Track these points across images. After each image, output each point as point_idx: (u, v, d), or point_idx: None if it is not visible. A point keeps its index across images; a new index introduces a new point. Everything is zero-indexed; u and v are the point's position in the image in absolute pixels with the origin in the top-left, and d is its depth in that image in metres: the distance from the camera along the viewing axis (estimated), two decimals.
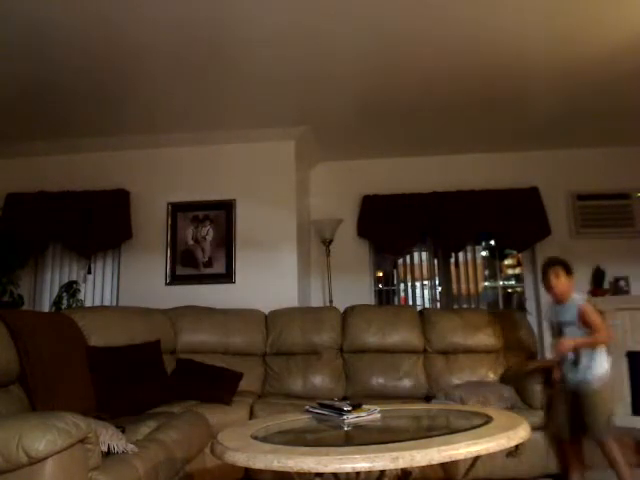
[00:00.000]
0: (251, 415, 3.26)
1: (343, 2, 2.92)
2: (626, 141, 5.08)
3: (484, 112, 4.42)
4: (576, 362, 2.85)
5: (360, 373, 3.78)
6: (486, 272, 5.58)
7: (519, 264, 5.49)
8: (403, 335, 3.86)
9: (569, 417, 2.87)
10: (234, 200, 4.80)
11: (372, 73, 3.76)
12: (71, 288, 4.63)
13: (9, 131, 4.67)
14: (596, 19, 3.11)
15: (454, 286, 5.39)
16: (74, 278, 4.86)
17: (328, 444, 2.08)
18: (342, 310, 4.11)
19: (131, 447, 2.12)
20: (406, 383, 3.71)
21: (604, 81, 3.84)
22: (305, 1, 2.90)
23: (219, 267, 4.74)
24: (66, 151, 4.98)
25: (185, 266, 4.77)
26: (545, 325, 4.51)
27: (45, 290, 4.99)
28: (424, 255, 5.50)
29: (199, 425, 2.92)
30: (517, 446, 2.39)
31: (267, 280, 4.64)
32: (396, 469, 2.12)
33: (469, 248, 5.40)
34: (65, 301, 4.56)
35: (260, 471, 2.47)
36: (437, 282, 5.45)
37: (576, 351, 2.84)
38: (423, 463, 1.60)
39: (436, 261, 5.46)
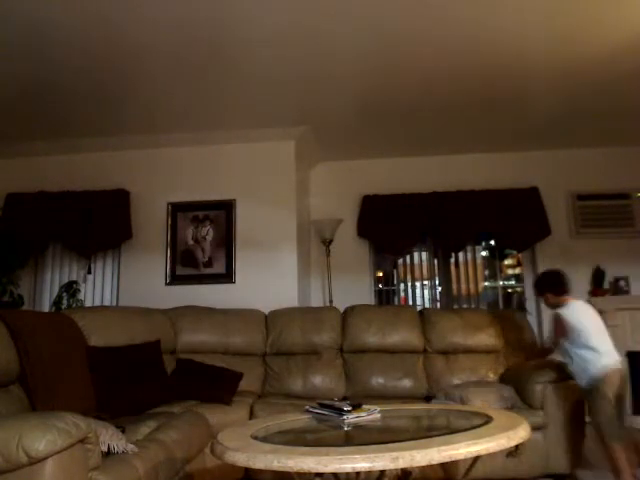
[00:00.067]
0: (251, 415, 3.26)
1: (343, 2, 2.92)
2: (626, 141, 5.08)
3: (484, 112, 4.42)
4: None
5: (360, 373, 3.78)
6: (486, 272, 5.58)
7: (519, 264, 5.49)
8: (403, 335, 3.86)
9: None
10: (234, 200, 4.80)
11: (372, 73, 3.76)
12: (71, 288, 4.63)
13: (9, 131, 4.67)
14: (596, 19, 3.11)
15: (454, 286, 5.39)
16: (74, 278, 4.86)
17: (328, 444, 2.08)
18: (342, 310, 4.11)
19: (131, 447, 2.12)
20: (406, 383, 3.71)
21: (604, 81, 3.85)
22: (305, 1, 2.91)
23: (219, 267, 4.74)
24: (66, 151, 4.98)
25: (185, 266, 4.77)
26: (547, 326, 4.51)
27: (45, 290, 4.99)
28: (424, 255, 5.50)
29: (199, 425, 2.92)
30: (517, 446, 2.39)
31: (267, 280, 4.64)
32: (396, 469, 2.12)
33: (469, 248, 5.40)
34: (65, 301, 4.57)
35: (260, 471, 2.47)
36: (437, 282, 5.45)
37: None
38: (423, 463, 1.60)
39: (436, 261, 5.46)
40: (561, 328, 2.98)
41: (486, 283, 5.56)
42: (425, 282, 5.53)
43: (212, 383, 3.48)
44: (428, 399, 3.53)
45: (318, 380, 3.76)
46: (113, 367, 3.07)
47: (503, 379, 3.55)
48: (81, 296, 4.69)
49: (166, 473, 2.29)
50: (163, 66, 3.63)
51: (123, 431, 2.23)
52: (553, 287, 3.11)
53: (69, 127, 4.65)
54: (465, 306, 5.31)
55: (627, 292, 4.91)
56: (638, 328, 4.73)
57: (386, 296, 5.57)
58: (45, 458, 1.58)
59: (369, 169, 5.51)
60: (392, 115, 4.47)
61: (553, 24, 3.16)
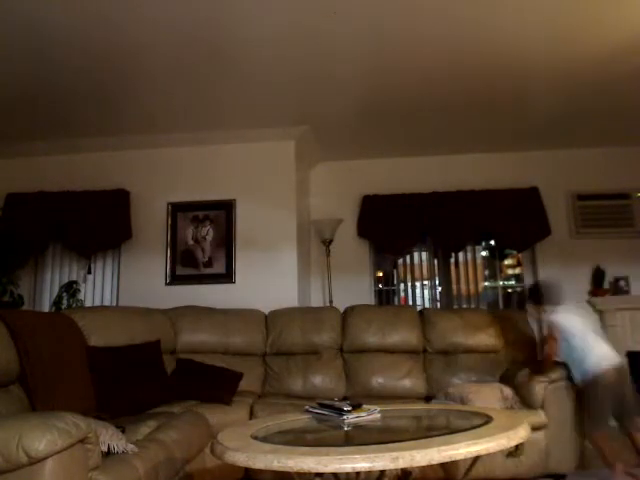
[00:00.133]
0: (251, 415, 3.26)
1: (343, 2, 2.92)
2: (626, 141, 5.08)
3: (484, 112, 4.42)
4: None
5: (360, 373, 3.78)
6: (486, 272, 5.58)
7: (519, 264, 5.49)
8: (403, 335, 3.86)
9: None
10: (234, 200, 4.80)
11: (372, 73, 3.76)
12: (71, 288, 4.63)
13: (9, 131, 4.67)
14: (596, 19, 3.11)
15: (454, 286, 5.39)
16: (74, 278, 4.86)
17: (328, 444, 2.08)
18: (342, 310, 4.11)
19: (131, 447, 2.12)
20: (406, 383, 3.71)
21: (604, 81, 3.84)
22: (305, 1, 2.90)
23: (219, 267, 4.74)
24: (66, 151, 4.98)
25: (185, 266, 4.77)
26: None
27: (45, 290, 4.99)
28: (424, 255, 5.50)
29: (199, 425, 2.92)
30: (517, 446, 2.40)
31: (267, 280, 4.64)
32: (396, 469, 2.12)
33: (469, 248, 5.40)
34: (65, 301, 4.56)
35: (260, 471, 2.47)
36: (437, 282, 5.45)
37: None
38: (423, 463, 1.60)
39: (436, 261, 5.46)
40: (554, 334, 3.07)
41: (486, 283, 5.56)
42: (425, 282, 5.53)
43: (212, 383, 3.48)
44: (428, 399, 3.53)
45: (318, 380, 3.76)
46: (113, 367, 3.07)
47: (503, 379, 3.55)
48: (81, 296, 4.69)
49: (166, 473, 2.29)
50: (163, 66, 3.63)
51: (123, 431, 2.23)
52: (532, 298, 3.36)
53: (69, 127, 4.65)
54: (465, 306, 5.31)
55: (627, 292, 4.91)
56: (638, 328, 4.73)
57: (386, 296, 5.57)
58: (45, 458, 1.58)
59: (369, 169, 5.51)
60: (392, 115, 4.47)
61: (553, 24, 3.16)
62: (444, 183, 5.27)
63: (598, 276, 5.00)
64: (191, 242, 4.81)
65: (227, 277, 4.70)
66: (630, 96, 4.08)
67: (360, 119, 4.55)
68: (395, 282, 5.61)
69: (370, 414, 2.36)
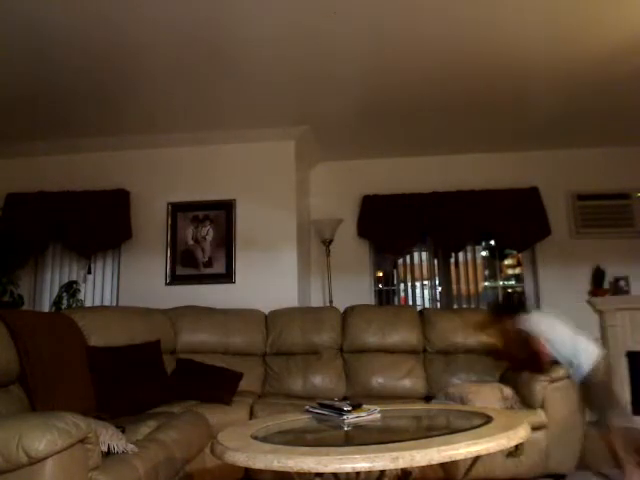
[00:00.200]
0: (251, 415, 3.26)
1: (343, 2, 2.92)
2: (626, 141, 5.08)
3: (484, 112, 4.42)
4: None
5: (360, 373, 3.78)
6: (486, 272, 5.58)
7: (519, 264, 5.49)
8: (403, 335, 3.86)
9: None
10: (234, 200, 4.80)
11: (372, 73, 3.76)
12: (71, 288, 4.63)
13: (9, 131, 4.67)
14: (596, 19, 3.11)
15: (454, 286, 5.39)
16: (74, 278, 4.86)
17: (328, 444, 2.08)
18: (342, 310, 4.11)
19: (131, 447, 2.12)
20: (406, 383, 3.71)
21: (604, 81, 3.84)
22: (305, 1, 2.90)
23: (219, 267, 4.74)
24: (66, 151, 4.98)
25: (185, 266, 4.77)
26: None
27: (45, 290, 4.99)
28: (424, 255, 5.50)
29: (199, 425, 2.92)
30: (517, 446, 2.40)
31: (267, 280, 4.64)
32: (396, 469, 2.12)
33: (469, 248, 5.40)
34: (65, 301, 4.57)
35: (260, 471, 2.47)
36: (437, 282, 5.45)
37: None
38: (423, 463, 1.60)
39: (436, 261, 5.46)
40: (534, 340, 3.06)
41: (486, 283, 5.56)
42: (425, 282, 5.53)
43: (212, 383, 3.48)
44: (428, 399, 3.53)
45: (318, 380, 3.76)
46: (113, 367, 3.07)
47: (503, 379, 3.55)
48: (81, 296, 4.69)
49: (166, 473, 2.29)
50: (163, 66, 3.63)
51: (123, 431, 2.23)
52: (502, 311, 3.37)
53: (69, 127, 4.65)
54: (465, 306, 5.31)
55: (627, 292, 4.90)
56: (638, 328, 4.73)
57: (386, 296, 5.57)
58: (45, 458, 1.58)
59: (369, 169, 5.51)
60: (392, 115, 4.47)
61: (553, 24, 3.16)
62: (444, 183, 5.27)
63: (598, 276, 5.00)
64: (191, 242, 4.81)
65: (227, 277, 4.70)
66: (630, 96, 4.08)
67: (360, 119, 4.55)
68: (395, 282, 5.61)
69: (370, 414, 2.36)
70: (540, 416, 3.02)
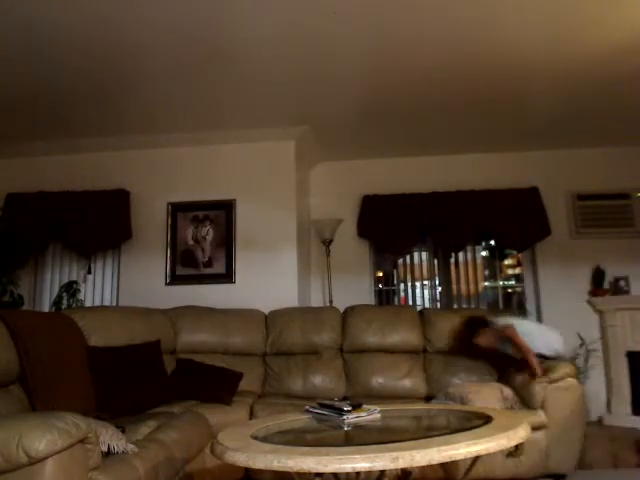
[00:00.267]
0: (251, 415, 3.26)
1: (343, 2, 2.92)
2: (626, 141, 5.08)
3: (484, 112, 4.42)
4: None
5: (360, 373, 3.78)
6: (486, 272, 5.58)
7: (519, 264, 5.49)
8: (403, 335, 3.86)
9: None
10: (234, 200, 4.80)
11: (372, 73, 3.76)
12: (71, 288, 4.63)
13: (9, 131, 4.67)
14: (596, 19, 3.11)
15: (454, 286, 5.39)
16: (74, 278, 4.86)
17: (328, 444, 2.08)
18: (342, 310, 4.11)
19: (131, 447, 2.12)
20: (406, 383, 3.71)
21: (604, 81, 3.84)
22: (305, 1, 2.90)
23: (219, 267, 4.74)
24: (66, 151, 4.98)
25: (185, 266, 4.77)
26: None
27: (45, 290, 4.99)
28: (424, 255, 5.50)
29: (199, 425, 2.92)
30: (517, 446, 2.40)
31: (267, 280, 4.63)
32: (396, 469, 2.12)
33: (469, 248, 5.40)
34: (65, 301, 4.56)
35: (260, 471, 2.47)
36: (437, 282, 5.45)
37: None
38: (423, 463, 1.60)
39: (436, 261, 5.46)
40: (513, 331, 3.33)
41: (486, 283, 5.56)
42: (425, 282, 5.52)
43: (212, 383, 3.48)
44: (428, 399, 3.53)
45: (318, 380, 3.76)
46: (113, 367, 3.07)
47: (503, 379, 3.55)
48: (81, 296, 4.69)
49: (166, 473, 2.29)
50: (163, 66, 3.63)
51: (123, 431, 2.23)
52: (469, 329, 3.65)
53: (69, 127, 4.64)
54: (465, 306, 5.31)
55: (627, 292, 4.90)
56: (638, 328, 4.73)
57: (386, 296, 5.57)
58: (45, 458, 1.58)
59: (369, 169, 5.51)
60: (392, 115, 4.47)
61: (553, 24, 3.16)
62: (444, 183, 5.27)
63: (598, 276, 5.00)
64: (191, 242, 4.81)
65: (227, 277, 4.70)
66: (630, 96, 4.08)
67: (360, 119, 4.55)
68: (395, 282, 5.61)
69: (370, 414, 2.36)
70: (540, 416, 3.02)
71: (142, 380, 3.20)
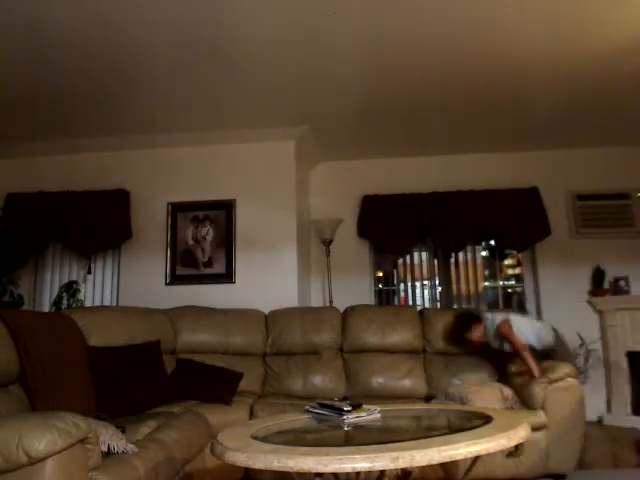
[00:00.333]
0: (251, 415, 3.26)
1: (343, 2, 2.92)
2: (626, 141, 5.08)
3: (484, 112, 4.42)
4: None
5: (360, 373, 3.78)
6: (486, 272, 5.58)
7: (519, 264, 5.49)
8: (403, 335, 3.86)
9: None
10: (234, 200, 4.80)
11: (372, 73, 3.76)
12: (71, 288, 4.63)
13: (9, 131, 4.67)
14: (596, 19, 3.11)
15: (454, 286, 5.39)
16: (74, 278, 4.86)
17: (328, 444, 2.08)
18: (342, 310, 4.11)
19: (131, 447, 2.12)
20: (406, 383, 3.71)
21: (604, 81, 3.84)
22: (305, 1, 2.90)
23: (219, 267, 4.74)
24: (66, 151, 4.98)
25: (185, 266, 4.77)
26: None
27: (45, 290, 4.99)
28: (424, 255, 5.50)
29: (199, 425, 2.92)
30: (517, 446, 2.40)
31: (267, 280, 4.64)
32: (396, 469, 2.12)
33: (469, 248, 5.40)
34: (65, 301, 4.56)
35: (260, 471, 2.47)
36: (437, 282, 5.45)
37: None
38: (423, 463, 1.60)
39: (436, 261, 5.46)
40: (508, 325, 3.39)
41: (486, 283, 5.56)
42: (425, 282, 5.53)
43: (212, 383, 3.48)
44: (428, 399, 3.53)
45: (318, 380, 3.76)
46: (113, 367, 3.07)
47: (503, 379, 3.54)
48: (81, 296, 4.69)
49: (166, 473, 2.29)
50: (163, 66, 3.63)
51: (123, 431, 2.23)
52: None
53: (69, 127, 4.65)
54: (465, 306, 5.30)
55: (627, 292, 4.90)
56: (638, 328, 4.73)
57: (386, 296, 5.57)
58: (45, 458, 1.58)
59: (369, 169, 5.51)
60: (392, 115, 4.47)
61: (553, 24, 3.16)
62: (444, 183, 5.27)
63: (598, 276, 5.00)
64: (191, 242, 4.81)
65: (227, 277, 4.70)
66: (630, 96, 4.08)
67: (360, 119, 4.55)
68: (395, 282, 5.61)
69: (370, 414, 2.35)
70: (540, 416, 3.02)
71: (142, 380, 3.20)
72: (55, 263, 5.04)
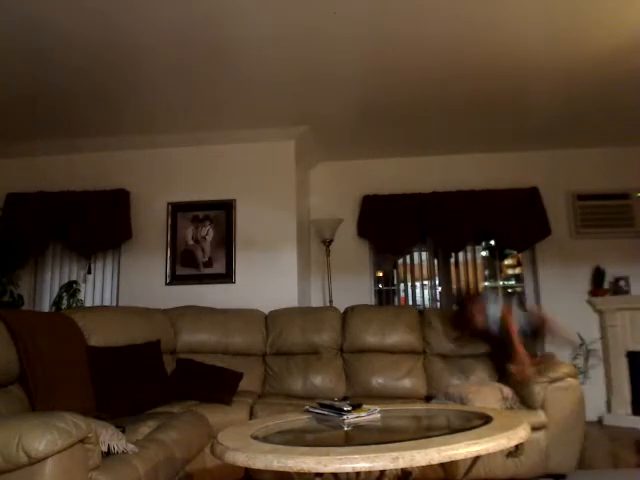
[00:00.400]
0: (251, 415, 3.26)
1: (343, 2, 2.92)
2: (626, 141, 5.08)
3: (484, 112, 4.42)
4: None
5: (360, 373, 3.78)
6: (486, 272, 5.58)
7: (519, 264, 5.49)
8: (403, 335, 3.86)
9: None
10: (234, 200, 4.81)
11: (372, 73, 3.76)
12: (71, 288, 4.63)
13: (9, 131, 4.67)
14: (596, 20, 3.11)
15: (454, 286, 5.39)
16: (74, 278, 4.86)
17: (328, 444, 2.08)
18: (342, 310, 4.11)
19: (131, 447, 2.12)
20: (406, 383, 3.71)
21: (604, 81, 3.84)
22: (305, 1, 2.90)
23: (219, 267, 4.74)
24: (66, 151, 4.98)
25: (185, 266, 4.77)
26: None
27: (45, 290, 4.99)
28: (424, 255, 5.50)
29: (199, 425, 2.92)
30: (517, 446, 2.40)
31: (267, 280, 4.64)
32: (396, 469, 2.12)
33: (469, 248, 5.40)
34: (65, 301, 4.56)
35: (260, 471, 2.47)
36: (437, 282, 5.45)
37: None
38: (423, 463, 1.60)
39: (436, 261, 5.46)
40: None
41: (486, 283, 5.56)
42: (425, 282, 5.53)
43: (212, 383, 3.48)
44: (428, 399, 3.53)
45: (318, 380, 3.76)
46: (113, 367, 3.07)
47: (503, 379, 3.54)
48: (81, 296, 4.69)
49: (166, 473, 2.29)
50: (163, 66, 3.63)
51: (123, 431, 2.23)
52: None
53: (69, 127, 4.65)
54: None
55: (627, 292, 4.91)
56: (638, 328, 4.73)
57: (386, 296, 5.57)
58: (45, 458, 1.58)
59: (369, 169, 5.51)
60: (392, 115, 4.47)
61: (553, 24, 3.16)
62: (444, 183, 5.27)
63: (598, 276, 5.00)
64: (191, 242, 4.81)
65: (227, 277, 4.70)
66: (630, 96, 4.08)
67: (360, 119, 4.55)
68: (395, 282, 5.61)
69: (370, 414, 2.36)
70: (540, 416, 3.02)
71: (142, 380, 3.20)
72: (55, 263, 5.04)
